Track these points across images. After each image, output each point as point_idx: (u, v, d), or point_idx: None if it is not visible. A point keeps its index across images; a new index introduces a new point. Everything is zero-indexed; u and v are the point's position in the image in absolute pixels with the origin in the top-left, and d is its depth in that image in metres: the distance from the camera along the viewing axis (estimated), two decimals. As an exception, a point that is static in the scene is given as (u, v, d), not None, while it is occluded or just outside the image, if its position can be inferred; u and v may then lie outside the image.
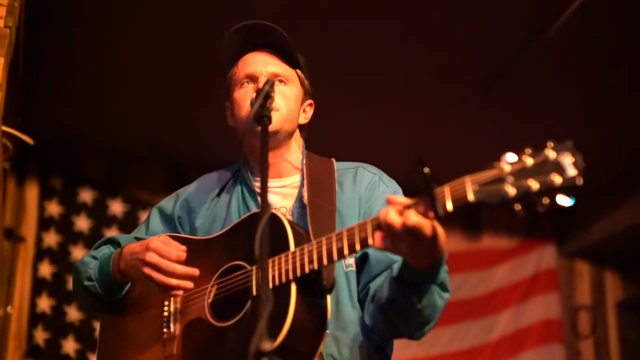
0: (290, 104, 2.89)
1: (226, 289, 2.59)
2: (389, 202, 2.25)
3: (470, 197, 2.10)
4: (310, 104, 3.03)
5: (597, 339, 7.31)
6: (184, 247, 2.63)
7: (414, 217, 2.17)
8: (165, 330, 2.72)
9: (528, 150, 2.08)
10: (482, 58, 5.29)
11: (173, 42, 5.19)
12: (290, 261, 2.41)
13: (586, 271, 7.43)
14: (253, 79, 2.88)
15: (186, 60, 5.36)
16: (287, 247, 2.45)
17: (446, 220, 2.21)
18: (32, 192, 6.25)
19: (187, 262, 2.66)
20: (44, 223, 6.22)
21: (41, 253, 6.16)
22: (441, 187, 2.16)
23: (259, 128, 2.55)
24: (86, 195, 6.32)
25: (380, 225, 2.23)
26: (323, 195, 2.83)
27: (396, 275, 2.43)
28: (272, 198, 2.86)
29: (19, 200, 6.22)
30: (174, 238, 2.77)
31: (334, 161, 2.98)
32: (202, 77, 5.43)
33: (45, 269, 6.12)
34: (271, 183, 2.86)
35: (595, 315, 7.35)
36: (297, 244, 2.45)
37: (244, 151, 2.99)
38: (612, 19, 4.89)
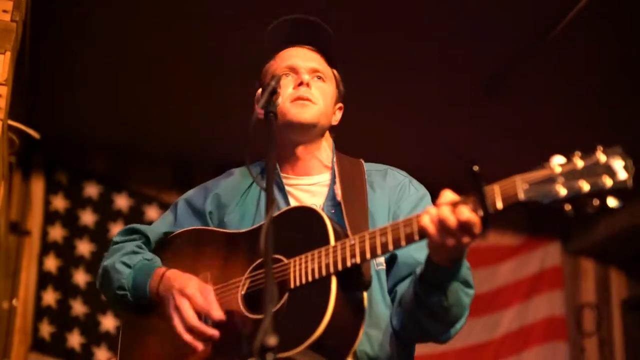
0: (327, 100, 2.91)
1: (261, 281, 2.54)
2: (441, 198, 2.27)
3: (521, 196, 2.12)
4: (340, 107, 3.05)
5: (601, 337, 7.30)
6: (220, 313, 2.54)
7: (467, 213, 2.19)
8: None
9: (578, 153, 2.11)
10: (488, 58, 5.28)
11: (180, 39, 5.19)
12: (331, 255, 2.40)
13: (591, 269, 7.43)
14: (294, 71, 2.90)
15: (193, 57, 5.36)
16: (327, 241, 2.44)
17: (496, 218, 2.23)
18: (37, 186, 6.27)
19: (220, 255, 2.70)
20: (50, 217, 6.23)
21: (47, 247, 6.17)
22: (491, 185, 2.19)
23: (291, 119, 2.74)
24: (92, 190, 6.33)
25: (426, 222, 2.25)
26: (355, 194, 2.83)
27: (420, 275, 2.45)
28: (300, 195, 2.88)
29: (25, 194, 6.23)
30: (208, 232, 2.83)
31: (363, 162, 2.99)
32: (208, 74, 5.45)
33: (51, 263, 6.14)
34: (300, 180, 2.91)
35: (599, 313, 7.35)
36: (336, 239, 2.44)
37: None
38: (618, 18, 4.88)
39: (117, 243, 2.93)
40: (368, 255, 2.36)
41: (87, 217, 6.28)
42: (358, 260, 2.37)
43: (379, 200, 2.85)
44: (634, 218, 6.65)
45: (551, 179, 2.10)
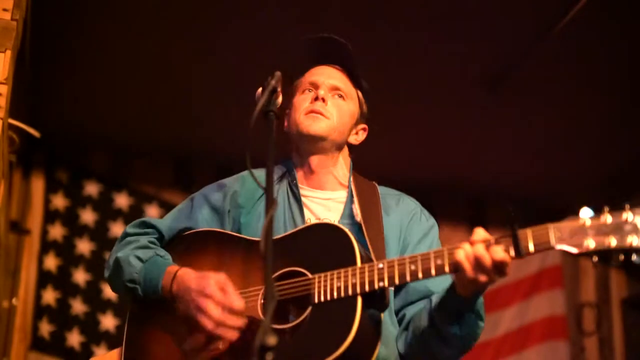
0: (343, 116, 3.02)
1: (282, 292, 2.59)
2: (475, 236, 2.43)
3: (553, 242, 2.32)
4: (364, 129, 3.15)
5: (601, 336, 7.31)
6: (242, 302, 2.54)
7: (501, 254, 2.36)
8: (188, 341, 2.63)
9: (607, 209, 2.30)
10: (489, 56, 5.28)
11: (181, 37, 5.19)
12: (358, 275, 2.50)
13: (591, 268, 7.42)
14: (315, 86, 3.04)
15: (193, 55, 5.36)
16: (353, 262, 2.54)
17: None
18: (37, 185, 6.26)
19: (239, 261, 2.74)
20: (50, 216, 6.23)
21: (46, 246, 6.17)
22: (524, 229, 2.38)
23: (306, 131, 2.91)
24: (92, 189, 6.33)
25: (461, 257, 2.40)
26: (372, 216, 2.92)
27: (439, 304, 2.58)
28: (315, 208, 2.97)
29: (25, 193, 6.23)
30: (226, 235, 2.87)
31: (377, 184, 3.08)
32: (209, 72, 5.45)
33: (51, 262, 6.13)
34: (314, 193, 3.01)
35: (599, 312, 7.35)
36: (362, 261, 2.55)
37: (291, 156, 3.10)
38: (619, 16, 4.88)
39: (130, 235, 2.92)
40: (397, 281, 2.48)
41: (87, 216, 6.28)
42: (386, 284, 2.49)
43: (392, 225, 2.94)
44: (634, 217, 6.64)
45: (582, 231, 2.29)
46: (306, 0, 4.82)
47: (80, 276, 6.12)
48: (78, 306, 6.08)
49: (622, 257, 2.32)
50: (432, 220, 3.03)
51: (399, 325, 2.80)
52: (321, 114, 2.96)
